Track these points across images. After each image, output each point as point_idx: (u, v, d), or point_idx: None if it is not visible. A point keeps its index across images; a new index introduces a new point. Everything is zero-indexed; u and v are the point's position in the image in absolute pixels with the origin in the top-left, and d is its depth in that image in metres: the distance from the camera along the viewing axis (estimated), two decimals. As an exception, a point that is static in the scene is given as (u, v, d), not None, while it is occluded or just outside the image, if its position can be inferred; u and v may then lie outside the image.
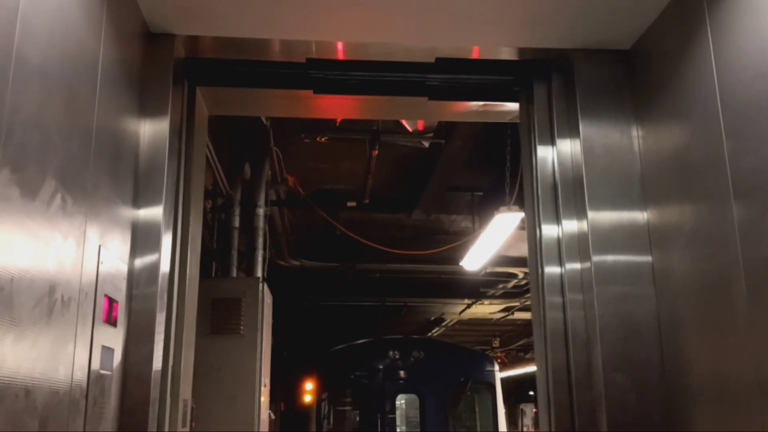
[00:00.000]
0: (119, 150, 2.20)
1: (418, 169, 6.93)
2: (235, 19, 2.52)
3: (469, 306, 12.30)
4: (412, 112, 4.19)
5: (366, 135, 6.02)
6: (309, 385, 9.85)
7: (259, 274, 6.16)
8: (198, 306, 2.95)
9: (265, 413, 5.39)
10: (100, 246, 1.97)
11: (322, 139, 6.02)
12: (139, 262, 2.33)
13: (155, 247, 2.37)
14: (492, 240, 6.47)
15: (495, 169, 6.24)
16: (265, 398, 5.33)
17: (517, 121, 3.04)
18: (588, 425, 2.44)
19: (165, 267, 2.43)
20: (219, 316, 4.98)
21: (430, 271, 9.71)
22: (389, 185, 7.52)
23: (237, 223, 6.18)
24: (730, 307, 2.00)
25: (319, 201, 7.37)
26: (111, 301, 2.06)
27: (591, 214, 2.51)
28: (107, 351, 2.03)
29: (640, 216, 2.53)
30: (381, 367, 9.60)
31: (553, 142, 2.77)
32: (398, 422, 9.78)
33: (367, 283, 10.45)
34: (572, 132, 2.68)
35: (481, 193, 7.50)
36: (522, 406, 18.88)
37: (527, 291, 8.76)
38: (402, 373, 9.62)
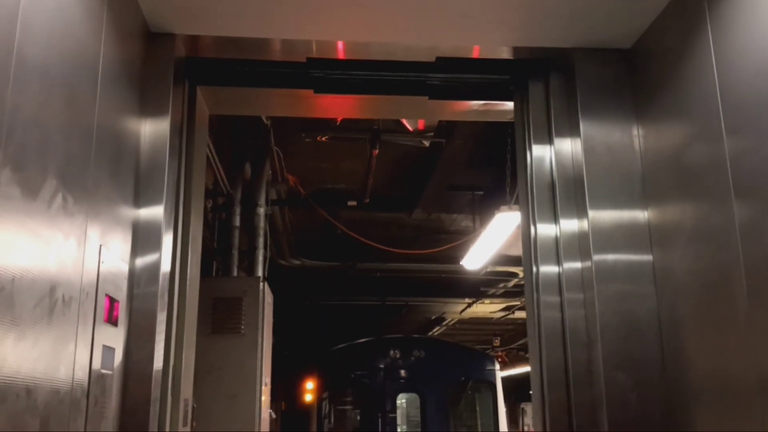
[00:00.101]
0: (120, 149, 2.20)
1: (419, 169, 6.93)
2: (235, 19, 2.52)
3: (469, 305, 12.29)
4: (413, 112, 4.19)
5: (366, 134, 6.02)
6: (310, 385, 9.86)
7: (260, 273, 6.16)
8: (199, 305, 2.96)
9: (266, 412, 5.39)
10: (101, 245, 1.98)
11: (323, 139, 6.02)
12: (140, 261, 2.33)
13: (156, 246, 2.37)
14: (492, 239, 6.47)
15: (495, 168, 6.24)
16: (265, 397, 5.33)
17: (518, 120, 3.04)
18: (588, 425, 2.44)
19: (166, 266, 2.43)
20: (220, 315, 4.98)
21: (430, 270, 9.71)
22: (390, 184, 7.52)
23: (238, 223, 6.19)
24: (731, 305, 1.99)
25: (320, 200, 7.37)
26: (112, 301, 2.06)
27: (592, 213, 2.51)
28: (108, 350, 2.03)
29: (641, 215, 2.53)
30: (382, 366, 9.61)
31: (550, 141, 2.77)
32: (399, 421, 9.78)
33: (367, 282, 10.44)
34: (572, 131, 2.68)
35: (481, 193, 7.49)
36: (523, 405, 18.87)
37: (528, 290, 8.72)
38: (403, 372, 9.62)
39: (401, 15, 2.50)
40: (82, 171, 1.84)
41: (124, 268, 2.23)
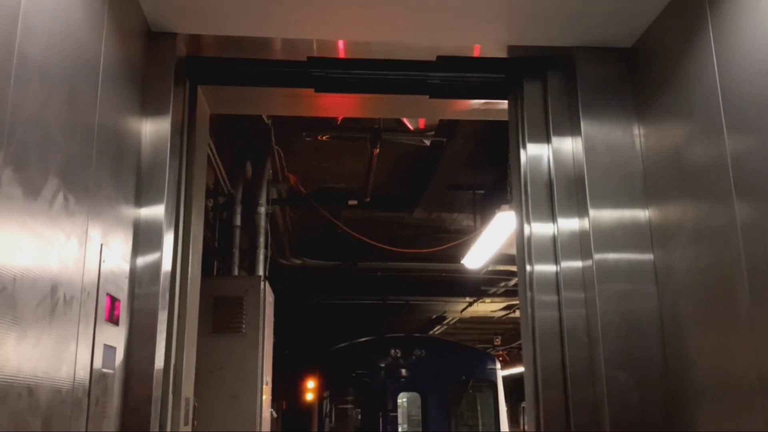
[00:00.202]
0: (121, 149, 2.20)
1: (420, 168, 6.92)
2: (236, 18, 2.52)
3: (470, 304, 12.29)
4: (414, 111, 4.19)
5: (367, 133, 6.01)
6: (311, 384, 9.86)
7: (261, 272, 6.16)
8: (200, 305, 2.96)
9: (267, 411, 5.39)
10: (102, 245, 1.98)
11: (324, 138, 6.02)
12: (141, 260, 2.34)
13: (157, 245, 2.38)
14: (493, 238, 6.46)
15: (497, 167, 6.24)
16: (267, 396, 5.33)
17: (518, 119, 3.04)
18: (587, 424, 2.43)
19: (167, 266, 2.44)
20: (221, 314, 4.98)
21: (431, 269, 9.70)
22: (391, 184, 7.51)
23: (238, 222, 6.19)
24: (733, 305, 1.99)
25: (321, 199, 7.37)
26: (113, 300, 2.06)
27: (593, 212, 2.51)
28: (109, 350, 2.03)
29: (642, 214, 2.53)
30: (383, 365, 9.60)
31: (548, 140, 2.76)
32: (400, 420, 9.77)
33: (368, 281, 10.44)
34: (573, 130, 2.68)
35: (482, 192, 7.49)
36: (523, 404, 18.86)
37: (529, 289, 8.72)
38: (404, 371, 9.61)
39: (402, 14, 2.50)
40: (83, 170, 1.84)
41: (126, 267, 2.23)
